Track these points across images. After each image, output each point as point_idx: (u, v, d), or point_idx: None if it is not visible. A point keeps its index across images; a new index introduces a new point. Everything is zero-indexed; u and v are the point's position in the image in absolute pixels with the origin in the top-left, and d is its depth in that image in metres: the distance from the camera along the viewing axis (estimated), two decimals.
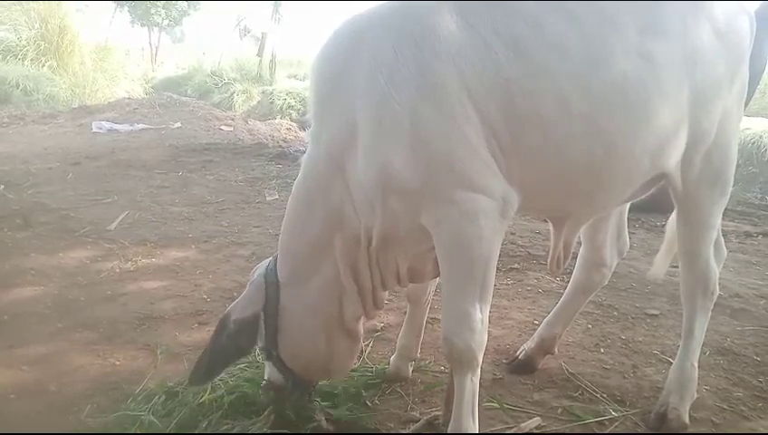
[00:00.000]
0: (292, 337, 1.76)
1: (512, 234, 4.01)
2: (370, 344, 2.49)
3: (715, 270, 2.00)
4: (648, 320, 2.87)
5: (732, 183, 1.94)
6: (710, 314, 2.06)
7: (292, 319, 1.74)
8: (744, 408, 2.14)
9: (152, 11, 24.95)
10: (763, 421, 2.08)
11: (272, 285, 1.74)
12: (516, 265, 3.55)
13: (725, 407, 2.14)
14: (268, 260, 1.82)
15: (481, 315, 1.54)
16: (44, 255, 3.38)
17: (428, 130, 1.44)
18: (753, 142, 8.13)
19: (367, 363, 2.33)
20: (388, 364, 2.24)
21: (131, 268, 3.27)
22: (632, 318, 2.88)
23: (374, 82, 1.47)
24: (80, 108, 10.39)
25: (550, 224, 1.95)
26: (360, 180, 1.52)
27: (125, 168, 6.05)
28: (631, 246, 4.16)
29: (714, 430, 2.01)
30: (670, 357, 2.45)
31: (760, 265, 3.80)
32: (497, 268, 3.62)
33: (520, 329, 2.71)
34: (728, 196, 1.95)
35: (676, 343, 2.60)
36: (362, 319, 1.83)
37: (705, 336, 2.64)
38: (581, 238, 2.24)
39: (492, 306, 2.89)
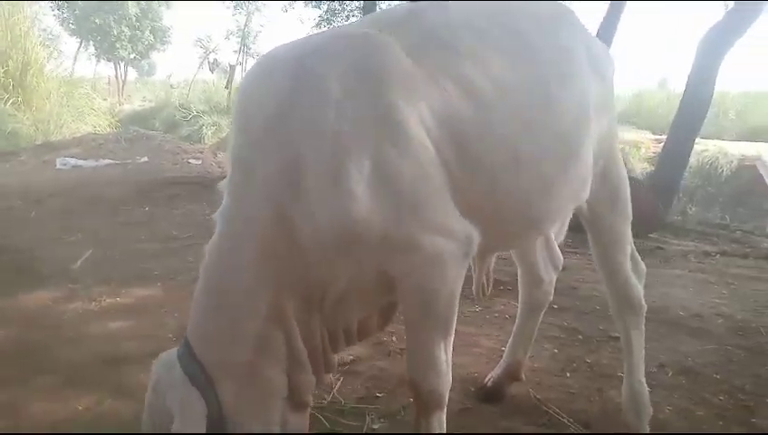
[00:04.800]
0: None
1: None
2: (341, 379, 2.48)
3: (637, 285, 2.08)
4: (612, 342, 2.94)
5: (630, 200, 2.03)
6: (643, 328, 2.13)
7: (243, 424, 1.37)
8: (705, 427, 2.20)
9: (117, 45, 24.87)
10: None
11: (206, 388, 1.33)
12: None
13: (688, 427, 2.19)
14: (168, 357, 1.41)
15: (445, 356, 1.52)
16: (3, 297, 3.28)
17: (392, 172, 1.30)
18: (711, 163, 8.46)
19: (337, 399, 2.31)
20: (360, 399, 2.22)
21: (95, 308, 3.20)
22: (597, 341, 2.94)
23: (322, 117, 1.30)
24: (43, 144, 10.23)
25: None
26: (314, 231, 1.30)
27: (89, 204, 5.95)
28: (593, 269, 4.28)
29: None
30: None
31: (718, 283, 3.93)
32: (465, 296, 3.67)
33: (488, 356, 2.73)
34: (630, 213, 2.04)
35: None
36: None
37: (667, 356, 2.75)
38: (516, 261, 2.33)
39: (459, 334, 2.93)
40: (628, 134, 11.41)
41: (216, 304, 1.39)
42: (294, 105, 1.32)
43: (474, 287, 2.06)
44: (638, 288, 2.07)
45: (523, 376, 2.40)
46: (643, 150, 10.07)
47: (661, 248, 4.93)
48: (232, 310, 1.37)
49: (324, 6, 10.59)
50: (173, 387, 1.34)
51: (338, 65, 1.35)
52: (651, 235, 5.31)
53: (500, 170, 1.49)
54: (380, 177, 1.29)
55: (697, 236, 5.43)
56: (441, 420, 1.61)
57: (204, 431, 1.30)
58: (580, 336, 2.99)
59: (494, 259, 2.10)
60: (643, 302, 2.09)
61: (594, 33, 7.03)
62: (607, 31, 6.96)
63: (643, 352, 2.12)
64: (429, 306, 1.46)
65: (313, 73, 1.35)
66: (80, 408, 2.21)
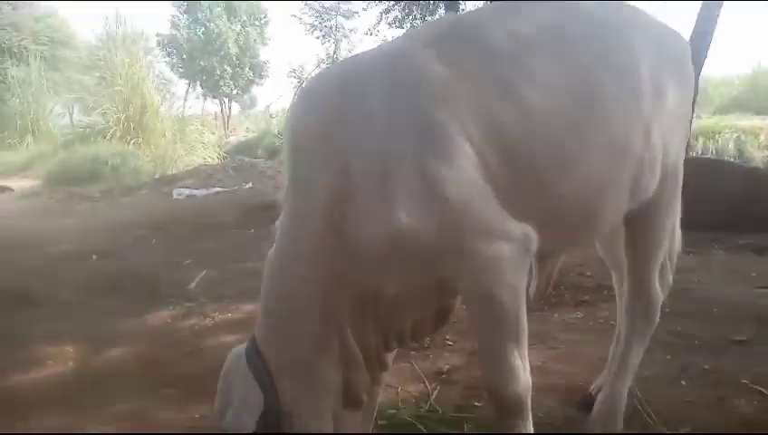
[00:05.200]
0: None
1: (579, 265, 3.91)
2: (437, 388, 2.48)
3: (660, 295, 1.99)
4: (734, 347, 2.69)
5: (680, 204, 1.97)
6: (648, 341, 2.02)
7: (298, 417, 1.45)
8: None
9: (221, 83, 26.88)
10: None
11: (265, 381, 1.43)
12: (586, 298, 3.45)
13: None
14: (238, 352, 1.52)
15: (521, 361, 1.49)
16: (131, 317, 3.64)
17: (437, 180, 1.34)
18: None
19: (434, 408, 2.32)
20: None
21: (209, 324, 3.46)
22: (714, 346, 2.71)
23: (369, 133, 1.37)
24: (161, 178, 11.23)
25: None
26: (364, 238, 1.36)
27: (203, 230, 6.43)
28: (711, 269, 3.96)
29: None
30: (762, 387, 2.29)
31: None
32: (566, 301, 3.54)
33: (592, 365, 2.61)
34: (678, 217, 1.99)
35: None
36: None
37: None
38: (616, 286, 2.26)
39: (561, 342, 2.88)
40: (742, 121, 10.43)
41: (276, 306, 1.49)
42: (340, 122, 1.39)
43: (533, 293, 1.99)
44: (660, 298, 1.99)
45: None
46: (762, 138, 9.15)
47: None
48: (290, 312, 1.46)
49: (407, 25, 10.75)
50: (237, 377, 1.46)
51: (379, 82, 1.41)
52: None
53: (545, 171, 1.48)
54: (425, 186, 1.33)
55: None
56: (526, 428, 1.56)
57: (254, 420, 1.39)
58: (696, 341, 2.78)
59: (558, 264, 2.04)
60: (658, 314, 2.00)
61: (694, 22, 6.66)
62: (707, 19, 6.48)
63: (638, 364, 2.02)
64: (493, 310, 1.44)
65: (357, 91, 1.42)
66: (196, 416, 2.40)
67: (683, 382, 2.40)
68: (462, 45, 1.49)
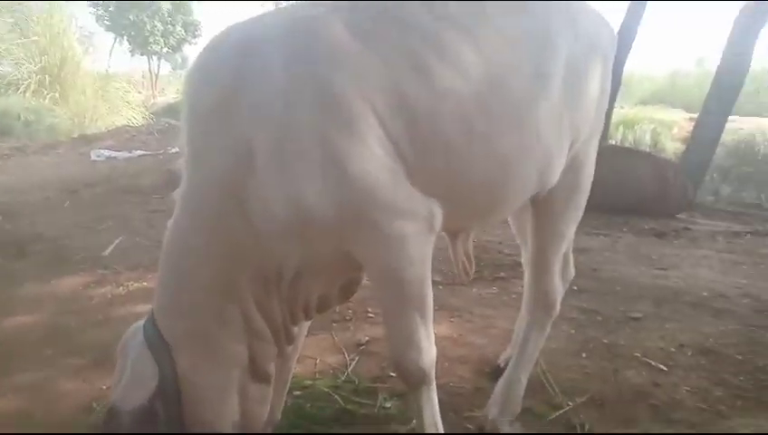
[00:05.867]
0: (203, 408, 1.45)
1: (499, 243, 4.06)
2: (356, 359, 2.52)
3: (559, 288, 2.04)
4: (632, 323, 2.89)
5: (584, 204, 1.96)
6: (548, 330, 2.08)
7: (197, 388, 1.43)
8: (722, 407, 2.16)
9: (151, 39, 25.40)
10: (742, 419, 2.09)
11: (161, 353, 1.40)
12: (502, 274, 3.59)
13: (705, 407, 2.16)
14: (137, 326, 1.48)
15: (426, 335, 1.52)
16: (38, 283, 3.44)
17: (341, 155, 1.30)
18: (747, 142, 8.16)
19: (351, 378, 2.35)
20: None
21: (122, 293, 3.33)
22: (615, 322, 2.90)
23: (269, 104, 1.32)
24: (80, 137, 10.57)
25: (446, 236, 1.97)
26: (267, 213, 1.34)
27: (121, 194, 6.14)
28: (617, 250, 4.22)
29: (692, 431, 2.03)
30: (651, 360, 2.48)
31: (746, 263, 3.82)
32: (484, 277, 3.65)
33: (504, 338, 2.73)
34: (580, 215, 1.99)
35: (657, 344, 2.64)
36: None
37: (688, 337, 2.70)
38: (523, 265, 2.30)
39: (477, 316, 2.99)
40: (660, 113, 11.08)
41: (173, 279, 1.46)
42: (240, 92, 1.33)
43: (456, 269, 2.05)
44: (560, 291, 2.04)
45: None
46: (676, 130, 9.76)
47: (689, 229, 4.79)
48: (187, 284, 1.43)
49: None
50: (128, 357, 1.43)
51: (282, 49, 1.35)
52: (680, 215, 5.17)
53: (453, 148, 1.46)
54: (329, 162, 1.30)
55: (728, 216, 5.27)
56: (430, 397, 1.61)
57: (147, 394, 1.35)
58: (598, 317, 2.96)
59: (471, 240, 2.07)
60: (558, 305, 2.05)
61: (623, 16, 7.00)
62: (633, 16, 6.83)
63: (537, 353, 2.08)
64: (399, 285, 1.45)
65: (258, 59, 1.35)
66: (103, 387, 2.31)
67: (583, 355, 2.56)
68: (374, 15, 1.44)
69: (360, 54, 1.36)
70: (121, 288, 3.38)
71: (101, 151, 8.86)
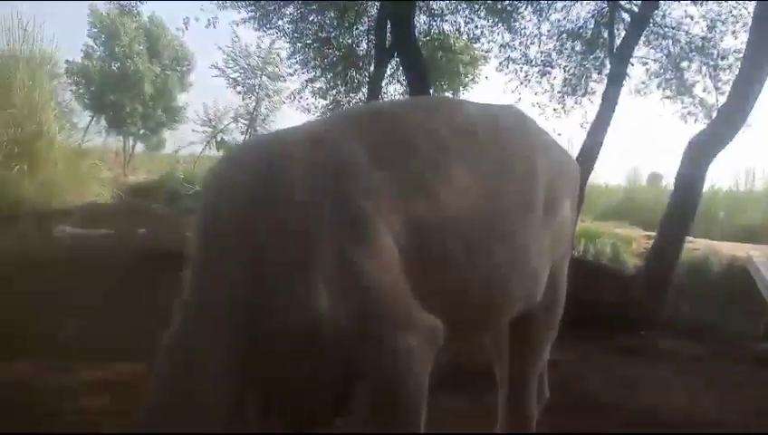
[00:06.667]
0: None
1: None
2: None
3: (534, 412, 2.06)
4: None
5: (557, 322, 2.07)
6: None
7: None
8: None
9: (128, 120, 25.69)
10: None
11: None
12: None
13: None
14: None
15: None
16: None
17: (358, 268, 1.34)
18: (702, 262, 8.55)
19: None
20: None
21: (73, 385, 3.13)
22: None
23: (287, 218, 1.36)
24: (43, 212, 10.30)
25: None
26: (279, 327, 1.33)
27: (81, 274, 5.92)
28: (585, 367, 4.21)
29: None
30: None
31: (708, 386, 3.85)
32: (456, 389, 3.56)
33: None
34: (555, 334, 2.08)
35: None
36: None
37: None
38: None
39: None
40: (620, 229, 11.58)
41: (180, 405, 1.35)
42: (259, 206, 1.37)
43: None
44: (534, 415, 2.07)
45: None
46: (634, 246, 10.18)
47: (649, 348, 4.88)
48: (197, 411, 1.34)
49: (330, 98, 11.04)
50: None
51: (305, 168, 1.42)
52: (641, 332, 5.26)
53: (453, 265, 1.55)
54: (346, 275, 1.34)
55: (688, 336, 5.39)
56: None
57: None
58: None
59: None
60: (533, 426, 2.07)
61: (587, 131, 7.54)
62: (598, 129, 7.35)
63: None
64: (398, 398, 1.44)
65: (281, 175, 1.41)
66: None
67: None
68: (384, 139, 1.56)
69: (376, 176, 1.44)
70: (74, 380, 3.18)
71: (65, 228, 8.63)
